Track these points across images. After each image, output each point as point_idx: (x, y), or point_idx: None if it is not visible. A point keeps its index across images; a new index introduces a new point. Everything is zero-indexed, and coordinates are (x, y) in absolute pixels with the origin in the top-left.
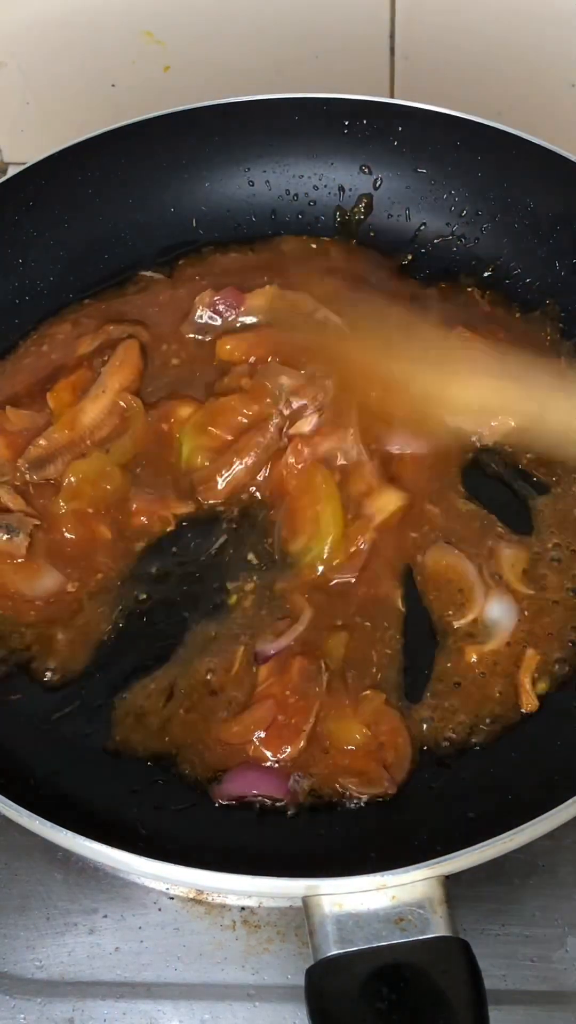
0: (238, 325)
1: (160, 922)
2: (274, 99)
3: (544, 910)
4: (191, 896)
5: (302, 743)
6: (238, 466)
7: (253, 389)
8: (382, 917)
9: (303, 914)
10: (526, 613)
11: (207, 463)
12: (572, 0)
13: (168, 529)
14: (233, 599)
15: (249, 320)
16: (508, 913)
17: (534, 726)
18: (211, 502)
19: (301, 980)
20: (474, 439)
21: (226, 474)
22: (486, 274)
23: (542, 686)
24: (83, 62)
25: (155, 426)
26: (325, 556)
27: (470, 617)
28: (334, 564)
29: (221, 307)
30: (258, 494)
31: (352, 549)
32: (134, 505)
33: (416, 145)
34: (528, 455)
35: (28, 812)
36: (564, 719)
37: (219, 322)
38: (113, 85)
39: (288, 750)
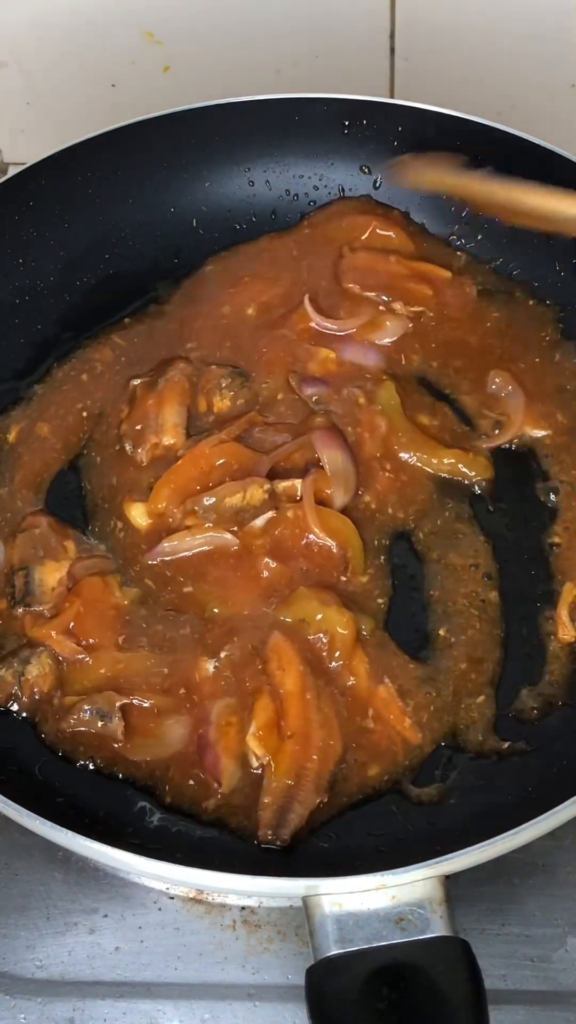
0: None
1: (160, 922)
2: (274, 99)
3: (544, 910)
4: (191, 896)
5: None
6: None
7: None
8: (382, 917)
9: (303, 914)
10: None
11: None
12: (572, 0)
13: None
14: None
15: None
16: (508, 913)
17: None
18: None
19: (301, 980)
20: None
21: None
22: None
23: None
24: (83, 62)
25: None
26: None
27: None
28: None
29: None
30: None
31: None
32: None
33: (416, 145)
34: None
35: (28, 812)
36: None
37: None
38: (113, 85)
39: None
